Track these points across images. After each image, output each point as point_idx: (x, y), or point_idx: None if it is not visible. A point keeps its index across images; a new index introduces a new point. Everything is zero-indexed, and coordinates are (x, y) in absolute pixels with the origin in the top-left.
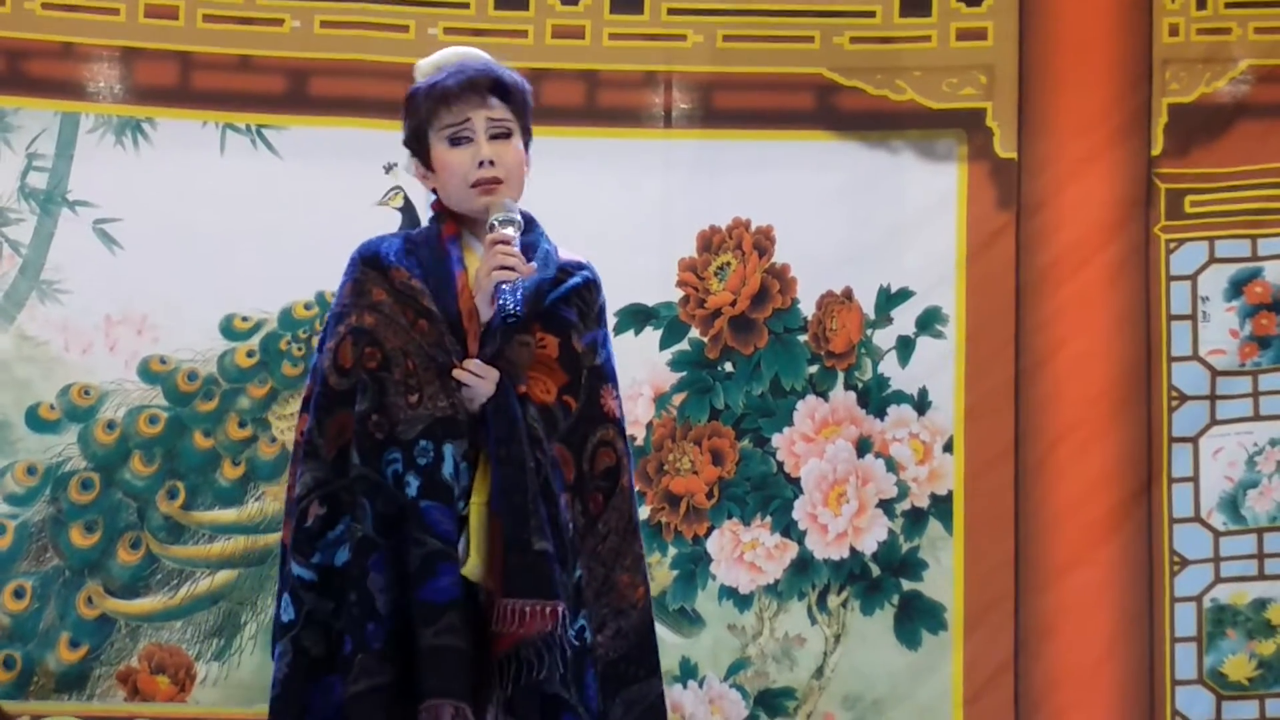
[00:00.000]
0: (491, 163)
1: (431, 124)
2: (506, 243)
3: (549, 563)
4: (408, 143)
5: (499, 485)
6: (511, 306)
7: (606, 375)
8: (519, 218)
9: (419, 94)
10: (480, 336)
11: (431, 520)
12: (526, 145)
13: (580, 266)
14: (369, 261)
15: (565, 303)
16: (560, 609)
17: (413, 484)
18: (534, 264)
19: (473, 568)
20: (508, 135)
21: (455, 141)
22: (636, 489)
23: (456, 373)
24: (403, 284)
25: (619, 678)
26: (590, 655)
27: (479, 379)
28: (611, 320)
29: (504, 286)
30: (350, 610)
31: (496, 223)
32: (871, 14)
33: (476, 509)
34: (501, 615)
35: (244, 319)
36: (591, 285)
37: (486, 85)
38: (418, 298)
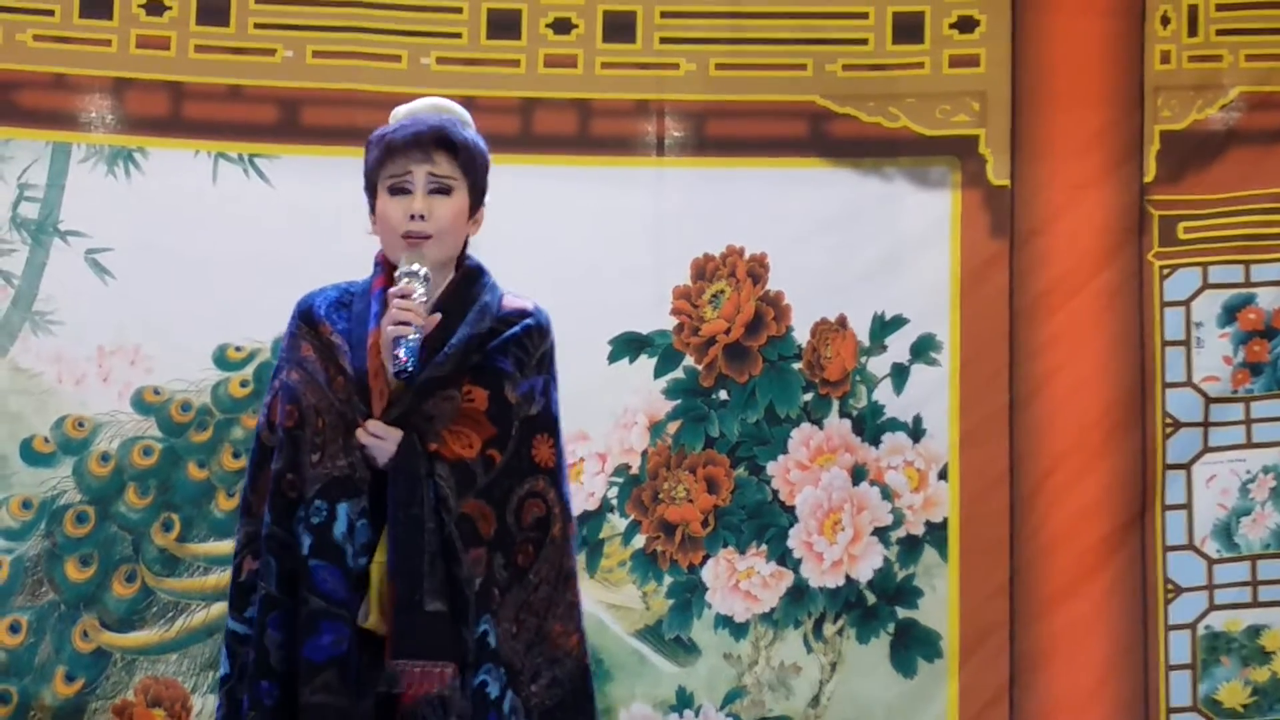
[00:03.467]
0: (422, 217)
1: (378, 173)
2: (406, 297)
3: (442, 623)
4: (365, 189)
5: (394, 547)
6: (404, 361)
7: (542, 424)
8: (422, 272)
9: (371, 142)
10: (391, 394)
11: (318, 579)
12: (475, 204)
13: (524, 315)
14: (303, 315)
15: (502, 353)
16: (448, 671)
17: (305, 542)
18: (436, 316)
19: (375, 623)
20: (447, 191)
21: (394, 192)
22: (631, 517)
23: (358, 433)
24: (326, 339)
25: None
26: (494, 709)
27: (378, 440)
28: (605, 348)
29: (399, 340)
30: (248, 668)
31: (400, 277)
32: (864, 41)
33: (378, 567)
34: (392, 676)
35: (237, 349)
36: (533, 332)
37: (432, 140)
38: (336, 355)
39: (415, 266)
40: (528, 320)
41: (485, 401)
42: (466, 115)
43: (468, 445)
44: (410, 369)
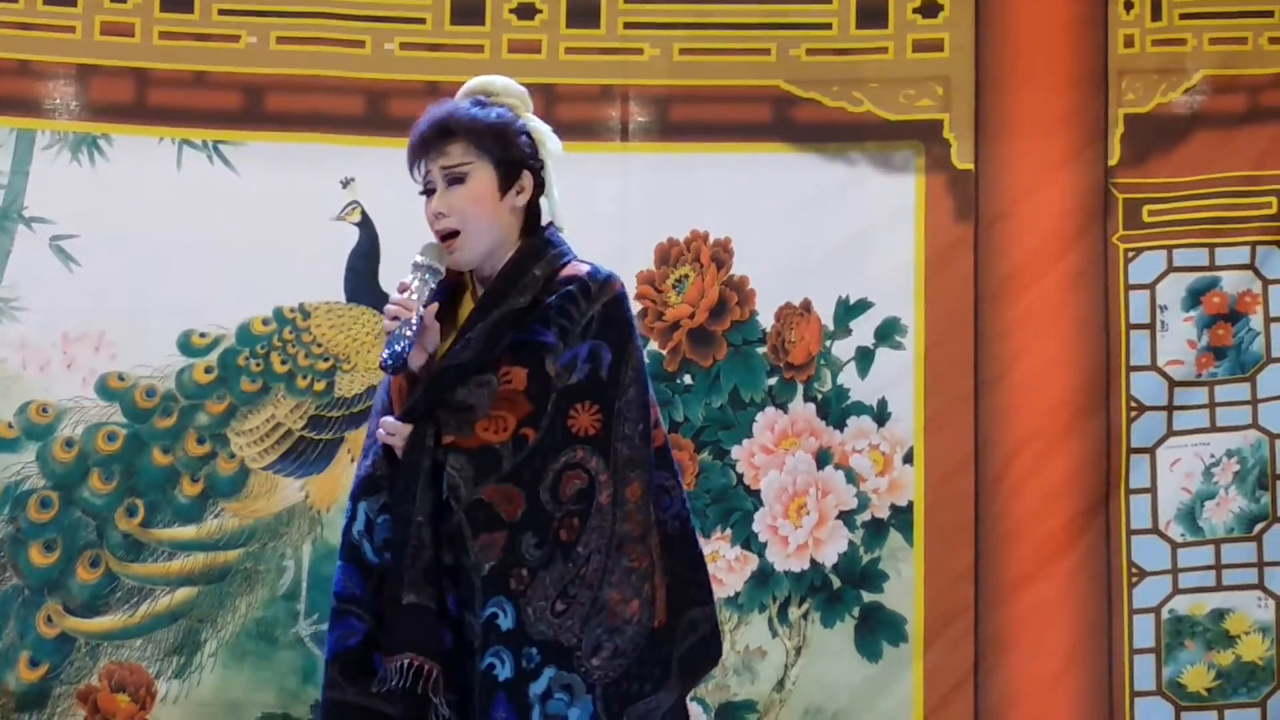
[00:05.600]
0: (443, 214)
1: (414, 179)
2: (403, 291)
3: (419, 616)
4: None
5: (387, 541)
6: (384, 357)
7: (584, 392)
8: (424, 263)
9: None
10: (409, 389)
11: (336, 578)
12: (508, 176)
13: (570, 280)
14: None
15: (543, 324)
16: (410, 663)
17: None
18: (433, 307)
19: None
20: (462, 179)
21: (424, 194)
22: None
23: (378, 432)
24: None
25: (622, 696)
26: (502, 690)
27: (390, 436)
28: None
29: (389, 334)
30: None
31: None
32: (828, 26)
33: None
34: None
35: (202, 335)
36: (576, 297)
37: (436, 133)
38: None
39: (420, 259)
40: (569, 286)
41: (524, 380)
42: (500, 85)
43: (501, 429)
44: (390, 363)
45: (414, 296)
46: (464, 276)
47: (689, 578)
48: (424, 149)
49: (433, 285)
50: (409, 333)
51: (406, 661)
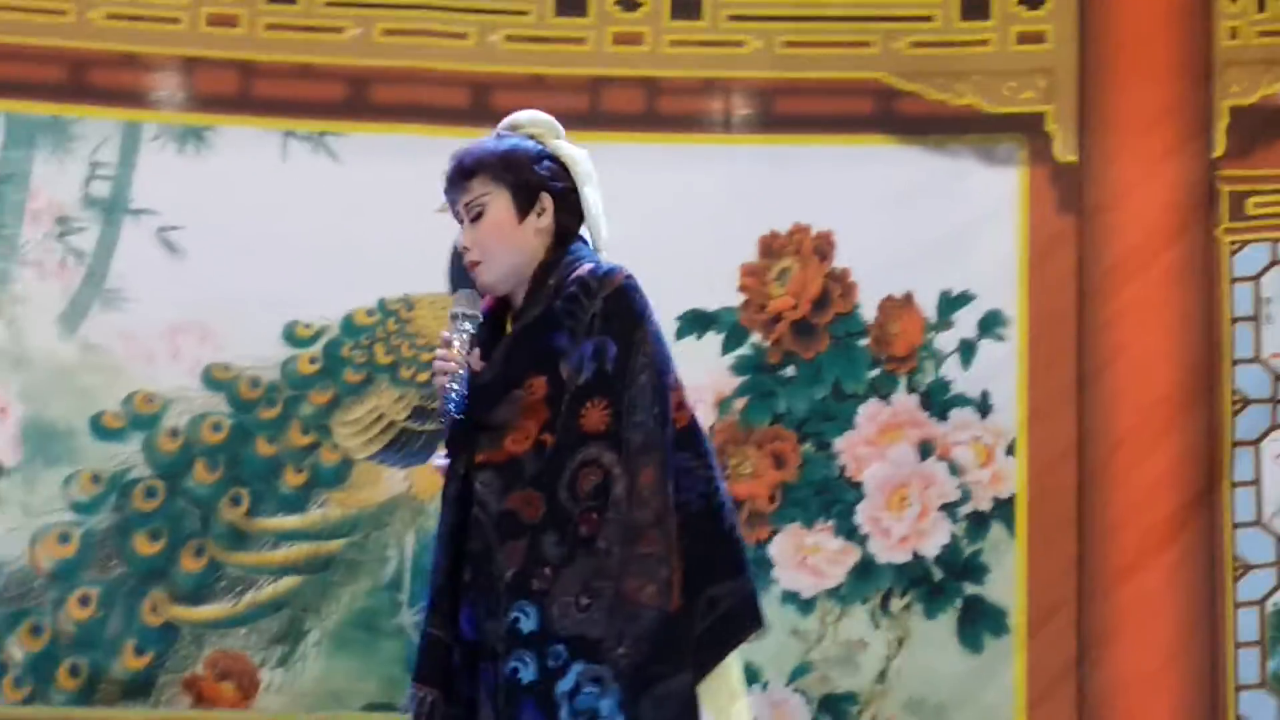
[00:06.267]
0: (468, 248)
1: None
2: (446, 345)
3: (436, 649)
4: None
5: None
6: (441, 412)
7: (592, 389)
8: (461, 311)
9: None
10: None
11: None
12: (525, 202)
13: (573, 283)
14: None
15: (556, 329)
16: (422, 695)
17: None
18: (475, 353)
19: None
20: (480, 214)
21: (461, 226)
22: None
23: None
24: None
25: (645, 681)
26: (526, 693)
27: (436, 469)
28: (673, 325)
29: (441, 391)
30: None
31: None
32: (931, 18)
33: None
34: None
35: (306, 326)
36: (579, 295)
37: (457, 173)
38: None
39: (456, 309)
40: (572, 287)
41: (544, 387)
42: (526, 117)
43: (524, 438)
44: (448, 415)
45: (456, 347)
46: (509, 302)
47: (712, 554)
48: (451, 190)
49: (471, 331)
50: (458, 385)
51: (422, 694)
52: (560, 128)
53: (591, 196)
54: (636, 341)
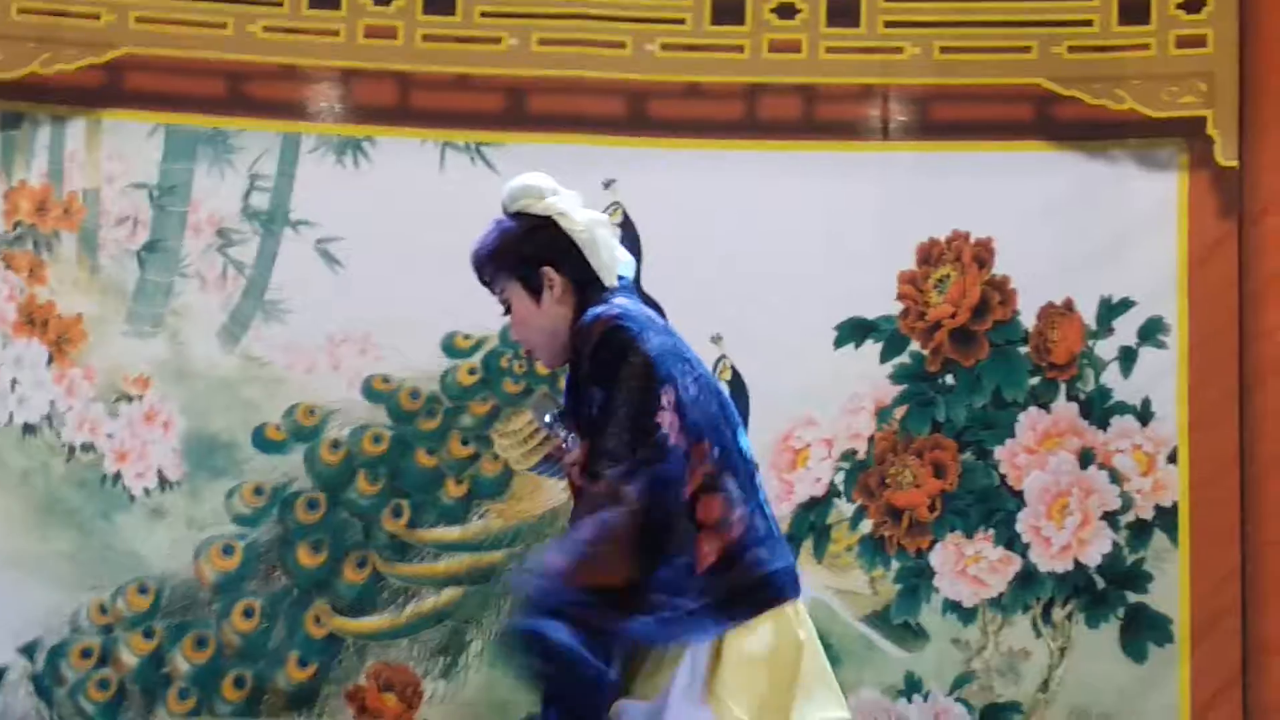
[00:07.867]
0: (517, 340)
1: None
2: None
3: None
4: None
5: None
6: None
7: (585, 435)
8: (543, 419)
9: None
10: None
11: None
12: (534, 284)
13: (571, 340)
14: None
15: (587, 380)
16: None
17: None
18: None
19: None
20: (508, 308)
21: None
22: (858, 502)
23: None
24: None
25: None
26: None
27: None
28: (832, 334)
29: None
30: None
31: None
32: (1089, 23)
33: None
34: None
35: (465, 336)
36: (577, 349)
37: (478, 277)
38: None
39: (540, 422)
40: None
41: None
42: (507, 193)
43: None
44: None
45: (565, 445)
46: None
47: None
48: (485, 287)
49: (562, 425)
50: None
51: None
52: (547, 184)
53: (598, 236)
54: (619, 382)
